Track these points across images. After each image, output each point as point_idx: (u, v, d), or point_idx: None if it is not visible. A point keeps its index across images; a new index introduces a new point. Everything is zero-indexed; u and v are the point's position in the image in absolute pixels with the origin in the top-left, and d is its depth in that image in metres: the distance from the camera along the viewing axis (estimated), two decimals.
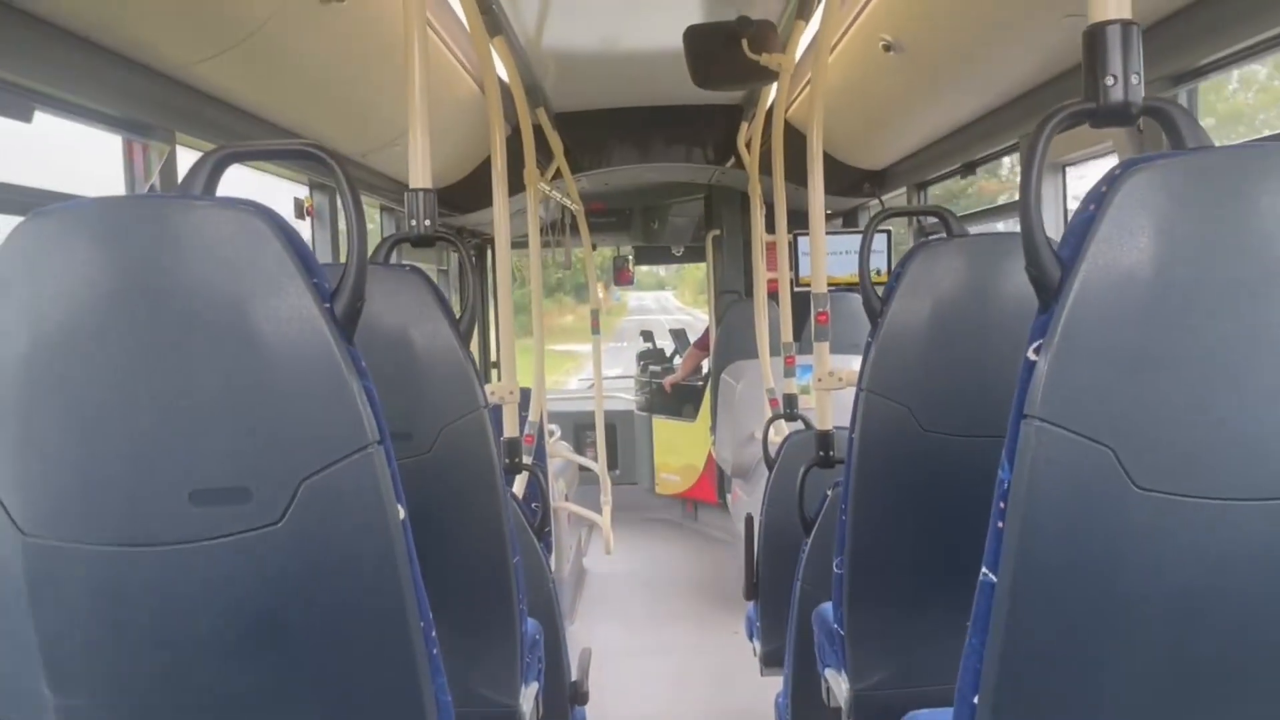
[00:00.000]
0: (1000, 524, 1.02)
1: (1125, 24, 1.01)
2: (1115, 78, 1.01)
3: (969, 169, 3.67)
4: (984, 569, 1.05)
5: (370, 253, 1.72)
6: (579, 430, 6.74)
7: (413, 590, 1.07)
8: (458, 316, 1.70)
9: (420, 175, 1.74)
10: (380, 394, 1.07)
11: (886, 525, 1.76)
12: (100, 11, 1.91)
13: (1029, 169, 1.02)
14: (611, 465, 6.05)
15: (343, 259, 3.70)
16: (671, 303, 29.15)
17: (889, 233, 4.47)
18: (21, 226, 1.01)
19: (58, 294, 0.99)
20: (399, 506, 1.05)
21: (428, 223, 1.72)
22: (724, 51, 3.06)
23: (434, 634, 1.12)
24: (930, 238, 1.85)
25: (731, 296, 5.99)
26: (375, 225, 4.42)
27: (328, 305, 1.03)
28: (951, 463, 1.67)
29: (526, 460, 2.80)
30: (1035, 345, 1.00)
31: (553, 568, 2.69)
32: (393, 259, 1.81)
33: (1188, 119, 1.03)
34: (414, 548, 1.08)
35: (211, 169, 1.10)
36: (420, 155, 1.75)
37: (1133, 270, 0.95)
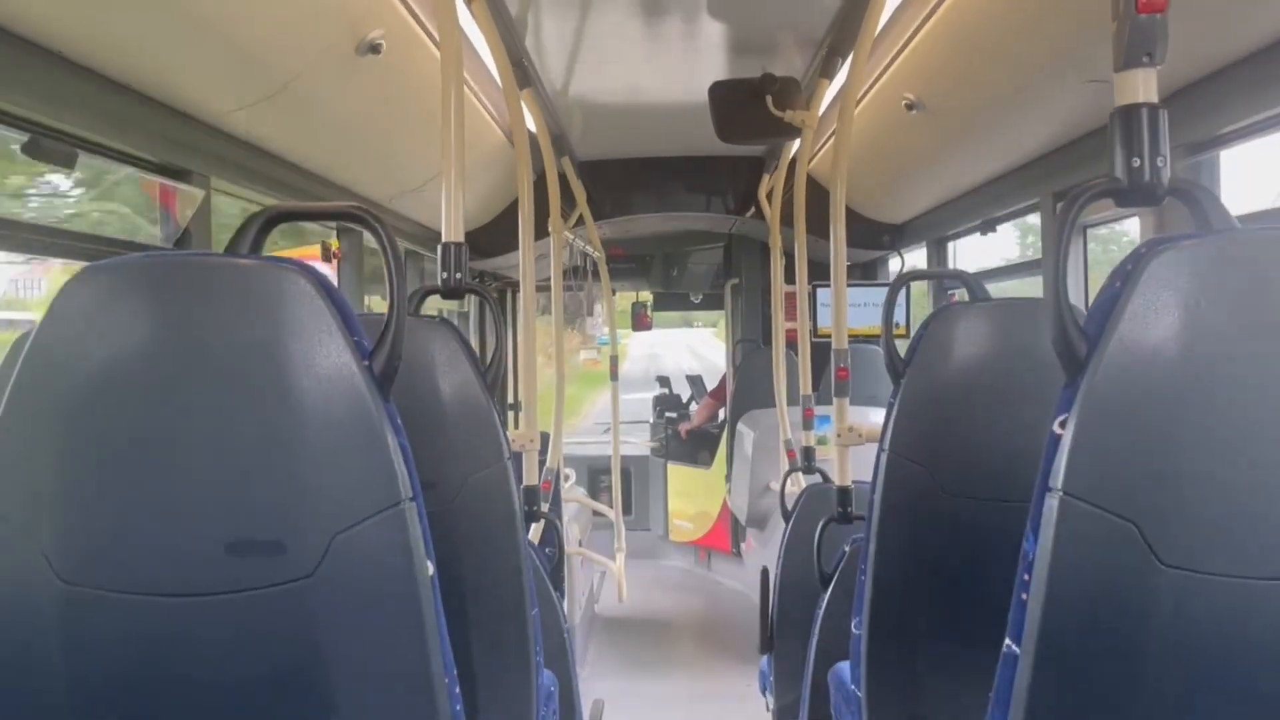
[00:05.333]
0: (1024, 596, 1.02)
1: (1152, 107, 1.04)
2: (1142, 159, 1.03)
3: (988, 226, 3.70)
4: (1007, 640, 1.05)
5: None
6: (593, 475, 6.73)
7: (439, 646, 1.08)
8: (483, 364, 1.72)
9: (453, 229, 1.77)
10: (408, 442, 1.09)
11: (907, 588, 1.75)
12: (140, 60, 1.96)
13: (1056, 243, 1.04)
14: (625, 510, 6.05)
15: (368, 302, 3.71)
16: (712, 348, 20.31)
17: (907, 287, 4.50)
18: (73, 281, 1.04)
19: (103, 347, 1.02)
20: (429, 563, 1.06)
21: (459, 275, 1.75)
22: (748, 107, 3.10)
23: (457, 690, 1.13)
24: (952, 301, 1.87)
25: (749, 345, 6.01)
26: None
27: (367, 363, 1.05)
28: (974, 527, 1.67)
29: (544, 507, 2.81)
30: (1060, 419, 1.01)
31: (566, 615, 2.69)
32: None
33: (1212, 201, 1.05)
34: (441, 604, 1.09)
35: (260, 228, 1.13)
36: (454, 209, 1.78)
37: (1158, 348, 0.97)
